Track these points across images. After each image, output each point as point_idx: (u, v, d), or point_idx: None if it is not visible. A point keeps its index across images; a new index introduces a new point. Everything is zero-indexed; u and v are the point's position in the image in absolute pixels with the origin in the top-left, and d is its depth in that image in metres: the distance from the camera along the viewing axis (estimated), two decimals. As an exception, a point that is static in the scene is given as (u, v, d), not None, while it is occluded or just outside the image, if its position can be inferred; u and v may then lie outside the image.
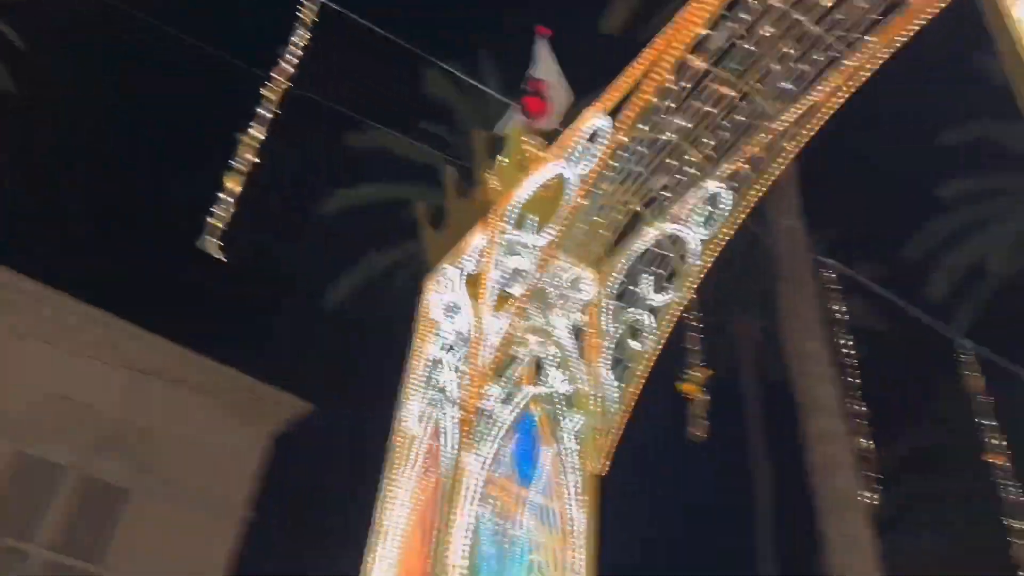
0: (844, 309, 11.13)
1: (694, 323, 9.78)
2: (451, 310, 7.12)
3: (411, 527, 6.29)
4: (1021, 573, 10.11)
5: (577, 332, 6.86)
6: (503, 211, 6.69)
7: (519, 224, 6.58)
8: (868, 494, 9.53)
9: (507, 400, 6.51)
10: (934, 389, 20.60)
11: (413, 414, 6.99)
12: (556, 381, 6.62)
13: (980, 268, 16.69)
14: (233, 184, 6.08)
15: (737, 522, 20.79)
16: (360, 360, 19.87)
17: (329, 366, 20.35)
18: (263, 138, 6.36)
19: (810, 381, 10.35)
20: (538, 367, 6.82)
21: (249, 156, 6.23)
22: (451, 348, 6.91)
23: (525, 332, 6.68)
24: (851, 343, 10.89)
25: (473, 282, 6.99)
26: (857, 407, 10.37)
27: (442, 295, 7.30)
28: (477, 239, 7.03)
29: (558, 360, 6.67)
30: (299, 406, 14.44)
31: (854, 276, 11.53)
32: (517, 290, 6.46)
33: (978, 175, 17.83)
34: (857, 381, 10.58)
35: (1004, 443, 11.36)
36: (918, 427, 19.39)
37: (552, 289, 6.83)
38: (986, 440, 11.01)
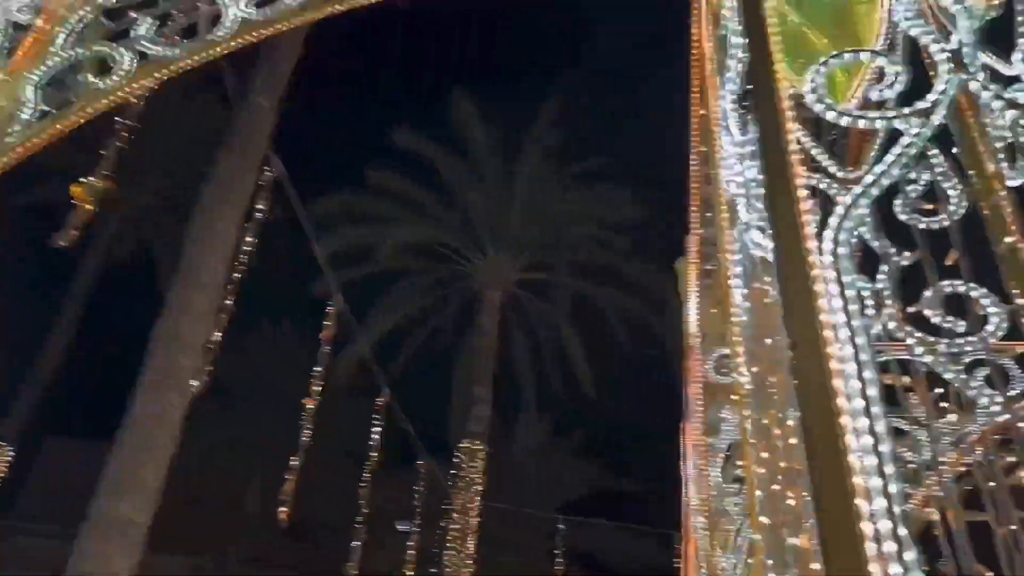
0: (265, 210, 10.78)
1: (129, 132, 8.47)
2: None
3: None
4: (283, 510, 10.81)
5: (18, 26, 5.04)
6: None
7: None
8: (197, 380, 9.09)
9: None
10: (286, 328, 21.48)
11: None
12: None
13: (369, 249, 18.28)
14: None
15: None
16: None
17: None
18: None
19: (201, 252, 9.57)
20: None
21: None
22: None
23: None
24: (252, 242, 10.54)
25: None
26: (228, 300, 10.02)
27: None
28: None
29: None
30: None
31: (290, 192, 11.19)
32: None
33: (401, 180, 19.80)
34: (238, 277, 10.24)
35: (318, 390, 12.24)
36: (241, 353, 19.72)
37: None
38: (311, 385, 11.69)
